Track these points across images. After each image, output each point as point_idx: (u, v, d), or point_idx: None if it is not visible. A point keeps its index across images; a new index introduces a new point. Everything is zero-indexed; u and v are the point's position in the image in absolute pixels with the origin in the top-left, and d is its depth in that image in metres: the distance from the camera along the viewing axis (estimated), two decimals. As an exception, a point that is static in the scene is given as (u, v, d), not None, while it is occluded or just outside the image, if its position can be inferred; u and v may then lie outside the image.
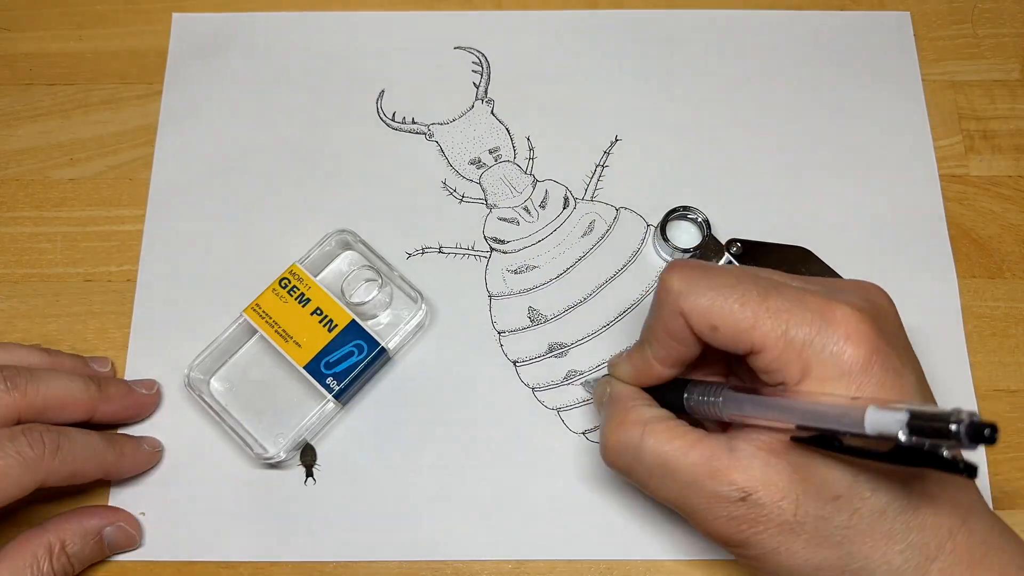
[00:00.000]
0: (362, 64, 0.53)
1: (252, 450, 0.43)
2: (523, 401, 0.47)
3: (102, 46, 0.53)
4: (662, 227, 0.48)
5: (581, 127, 0.52)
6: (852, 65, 0.53)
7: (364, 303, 0.46)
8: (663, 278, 0.36)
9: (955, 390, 0.47)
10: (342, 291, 0.47)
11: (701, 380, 0.38)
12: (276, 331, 0.45)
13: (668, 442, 0.35)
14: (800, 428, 0.33)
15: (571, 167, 0.51)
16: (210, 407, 0.44)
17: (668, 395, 0.39)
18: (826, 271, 0.47)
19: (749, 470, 0.34)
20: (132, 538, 0.43)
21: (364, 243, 0.47)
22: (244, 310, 0.45)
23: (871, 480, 0.33)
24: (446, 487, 0.45)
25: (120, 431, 0.45)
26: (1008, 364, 0.48)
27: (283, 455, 0.44)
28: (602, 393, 0.41)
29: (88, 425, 0.42)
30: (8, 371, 0.40)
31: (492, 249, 0.49)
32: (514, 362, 0.47)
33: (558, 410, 0.46)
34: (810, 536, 0.33)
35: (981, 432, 0.27)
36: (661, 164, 0.51)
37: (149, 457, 0.45)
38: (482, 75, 0.53)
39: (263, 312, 0.45)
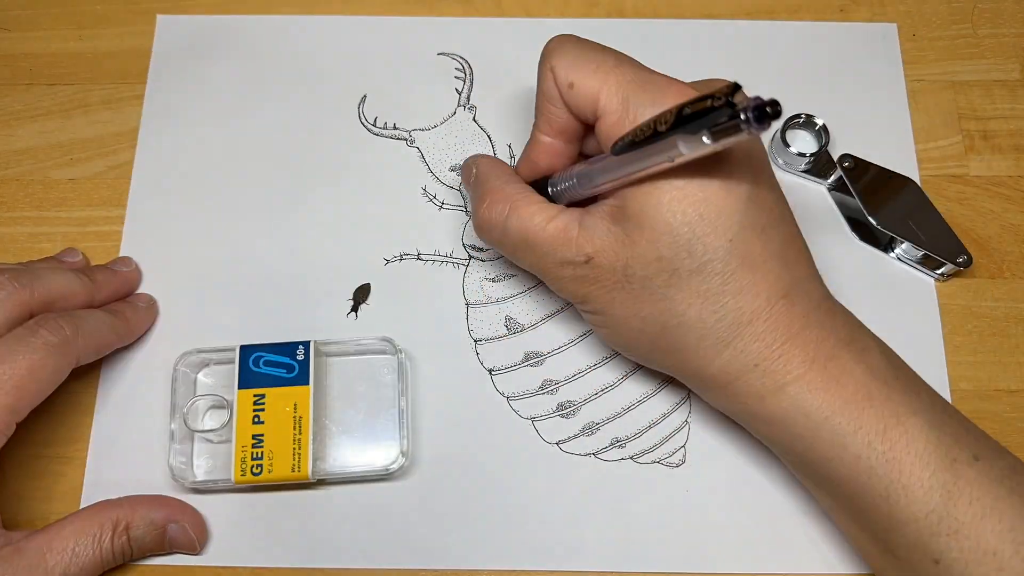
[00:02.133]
0: (344, 69, 0.52)
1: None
2: (497, 410, 0.46)
3: (102, 46, 0.54)
4: (782, 132, 0.49)
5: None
6: (838, 76, 0.52)
7: (213, 430, 0.44)
8: (546, 44, 0.40)
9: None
10: (184, 422, 0.43)
11: (560, 171, 0.41)
12: (270, 474, 0.42)
13: (531, 217, 0.39)
14: (615, 145, 0.36)
15: (552, 173, 0.50)
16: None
17: (543, 192, 0.41)
18: (927, 204, 0.48)
19: (593, 239, 0.37)
20: (192, 542, 0.42)
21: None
22: (235, 480, 0.42)
23: (688, 241, 0.35)
24: (416, 495, 0.44)
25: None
26: (1008, 364, 0.46)
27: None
28: (468, 173, 0.44)
29: None
30: (11, 271, 0.41)
31: (470, 257, 0.48)
32: (489, 371, 0.46)
33: (532, 420, 0.45)
34: (638, 292, 0.37)
35: (764, 110, 0.29)
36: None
37: (148, 313, 0.47)
38: (465, 81, 0.52)
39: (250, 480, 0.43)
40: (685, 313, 0.37)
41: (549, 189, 0.41)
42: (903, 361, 0.39)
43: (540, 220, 0.39)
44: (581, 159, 0.42)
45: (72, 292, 0.43)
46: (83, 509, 0.40)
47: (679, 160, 0.33)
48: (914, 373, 0.38)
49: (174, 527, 0.42)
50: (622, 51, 0.51)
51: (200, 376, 0.46)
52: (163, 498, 0.43)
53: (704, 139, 0.31)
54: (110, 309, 0.44)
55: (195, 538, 0.42)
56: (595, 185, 0.38)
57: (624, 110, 0.36)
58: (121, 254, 0.49)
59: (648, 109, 0.35)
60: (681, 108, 0.32)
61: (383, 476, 0.44)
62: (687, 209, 0.35)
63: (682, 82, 0.37)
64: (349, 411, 0.45)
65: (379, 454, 0.44)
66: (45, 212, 0.50)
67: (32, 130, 0.52)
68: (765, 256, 0.36)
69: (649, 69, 0.38)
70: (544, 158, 0.41)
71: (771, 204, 0.37)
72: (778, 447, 0.39)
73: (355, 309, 0.46)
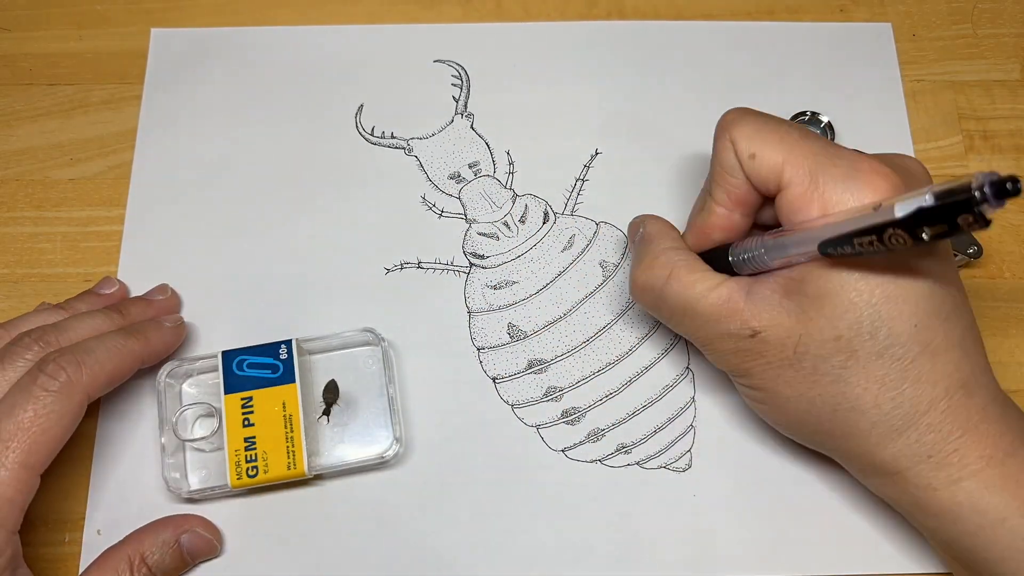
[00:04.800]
0: (341, 78, 0.52)
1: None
2: (502, 418, 0.45)
3: (102, 46, 0.53)
4: None
5: (561, 141, 0.51)
6: (836, 76, 0.52)
7: (203, 438, 0.44)
8: (722, 116, 0.39)
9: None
10: (174, 431, 0.43)
11: (742, 240, 0.39)
12: (267, 474, 0.42)
13: (691, 286, 0.38)
14: (826, 244, 0.33)
15: (551, 181, 0.50)
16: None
17: (715, 262, 0.40)
18: None
19: (761, 312, 0.36)
20: (210, 544, 0.42)
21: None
22: (232, 484, 0.42)
23: (872, 323, 0.34)
24: (421, 505, 0.44)
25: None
26: (1008, 364, 0.47)
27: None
28: (634, 232, 0.44)
29: None
30: (36, 332, 0.40)
31: (472, 264, 0.48)
32: (493, 379, 0.46)
33: (537, 427, 0.45)
34: (808, 372, 0.36)
35: (1004, 186, 0.27)
36: (642, 178, 0.50)
37: (175, 333, 0.45)
38: (462, 89, 0.52)
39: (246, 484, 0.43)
40: (860, 397, 0.35)
41: (730, 258, 0.39)
42: None
43: (702, 288, 0.38)
44: (753, 231, 0.41)
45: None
46: (91, 565, 0.40)
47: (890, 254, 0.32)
48: None
49: (186, 537, 0.42)
50: (622, 52, 0.52)
51: (185, 387, 0.45)
52: (163, 518, 0.42)
53: (925, 236, 0.30)
54: (130, 328, 0.43)
55: (211, 538, 0.42)
56: (785, 257, 0.36)
57: (812, 183, 0.35)
58: (121, 255, 0.48)
59: (839, 185, 0.34)
60: (918, 226, 0.30)
61: (379, 464, 0.44)
62: (874, 289, 0.34)
63: (868, 156, 0.36)
64: (338, 405, 0.45)
65: (373, 443, 0.44)
66: (45, 212, 0.50)
67: (32, 130, 0.51)
68: (947, 344, 0.35)
69: (835, 144, 0.37)
70: (719, 230, 0.40)
71: (953, 291, 0.36)
72: (942, 539, 0.37)
73: (327, 412, 0.44)
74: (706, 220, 0.40)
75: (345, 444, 0.44)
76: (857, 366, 0.35)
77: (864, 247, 0.32)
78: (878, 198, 0.33)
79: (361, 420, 0.45)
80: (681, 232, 0.42)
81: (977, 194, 0.28)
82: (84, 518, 0.44)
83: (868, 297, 0.34)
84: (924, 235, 0.30)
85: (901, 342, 0.34)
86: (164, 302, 0.46)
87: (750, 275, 0.38)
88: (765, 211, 0.40)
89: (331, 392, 0.44)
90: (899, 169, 0.35)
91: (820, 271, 0.35)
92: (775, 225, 0.39)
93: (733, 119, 0.38)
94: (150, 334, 0.43)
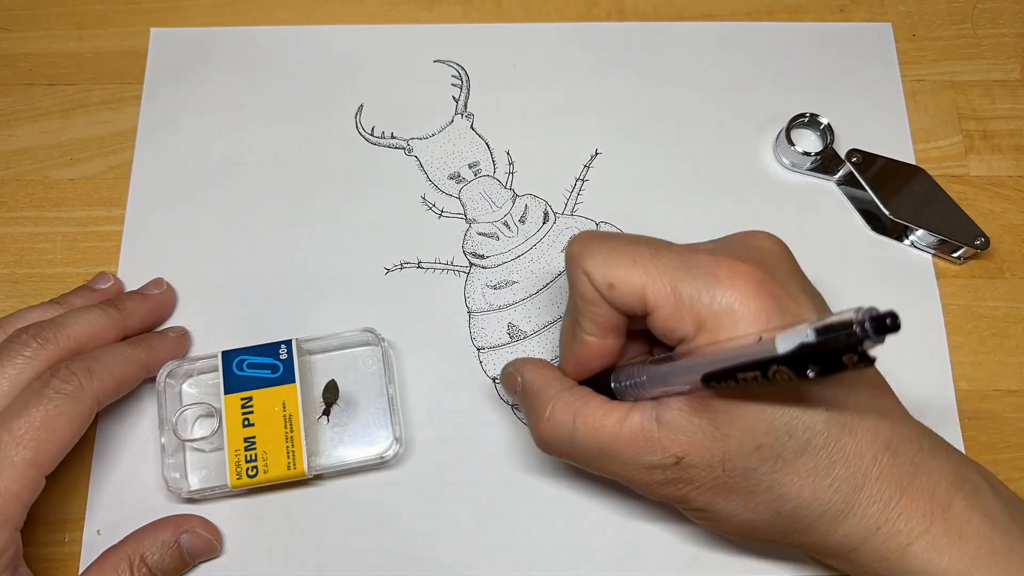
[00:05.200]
0: (341, 78, 0.52)
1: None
2: (502, 417, 0.45)
3: (102, 46, 0.54)
4: (787, 132, 0.49)
5: (561, 141, 0.51)
6: (836, 76, 0.52)
7: (204, 438, 0.44)
8: (567, 247, 0.38)
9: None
10: (174, 431, 0.43)
11: (623, 365, 0.38)
12: (266, 474, 0.42)
13: (600, 423, 0.36)
14: (709, 377, 0.32)
15: (551, 181, 0.50)
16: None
17: (598, 390, 0.38)
18: (938, 191, 0.48)
19: (678, 437, 0.35)
20: (211, 544, 0.42)
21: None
22: (232, 484, 0.42)
23: (787, 423, 0.33)
24: (421, 506, 0.44)
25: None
26: (1008, 364, 0.46)
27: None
28: (512, 383, 0.41)
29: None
30: (32, 329, 0.40)
31: (472, 264, 0.48)
32: (493, 379, 0.46)
33: (536, 427, 0.45)
34: (741, 485, 0.35)
35: (884, 322, 0.27)
36: (642, 178, 0.50)
37: (179, 343, 0.46)
38: (461, 89, 0.52)
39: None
40: (799, 496, 0.35)
41: (612, 385, 0.38)
42: (1008, 489, 0.38)
43: (611, 422, 0.36)
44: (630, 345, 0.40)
45: (100, 330, 0.42)
46: (91, 566, 0.40)
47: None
48: (1022, 504, 0.37)
49: (185, 538, 0.42)
50: (622, 53, 0.52)
51: (185, 387, 0.45)
52: (162, 519, 0.42)
53: (810, 374, 0.29)
54: (135, 339, 0.44)
55: (210, 539, 0.42)
56: (668, 386, 0.35)
57: (677, 301, 0.34)
58: (121, 255, 0.49)
59: (703, 295, 0.34)
60: (802, 362, 0.29)
61: (379, 464, 0.44)
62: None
63: (722, 257, 0.35)
64: (338, 405, 0.45)
65: (373, 443, 0.44)
66: (45, 212, 0.50)
67: (32, 130, 0.52)
68: (860, 414, 0.35)
69: (684, 247, 0.36)
70: (596, 359, 0.38)
71: None
72: None
73: (327, 413, 0.44)
74: (580, 351, 0.38)
75: (345, 444, 0.44)
76: (786, 467, 0.34)
77: (748, 382, 0.31)
78: (747, 299, 0.33)
79: (361, 420, 0.45)
80: (556, 366, 0.40)
81: (858, 330, 0.27)
82: (84, 518, 0.44)
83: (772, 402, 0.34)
84: (809, 373, 0.29)
85: (819, 430, 0.34)
86: (159, 296, 0.46)
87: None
88: (637, 321, 0.38)
89: (331, 392, 0.44)
90: (754, 254, 0.35)
91: None
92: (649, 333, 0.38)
93: (581, 250, 0.36)
94: (155, 344, 0.44)
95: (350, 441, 0.44)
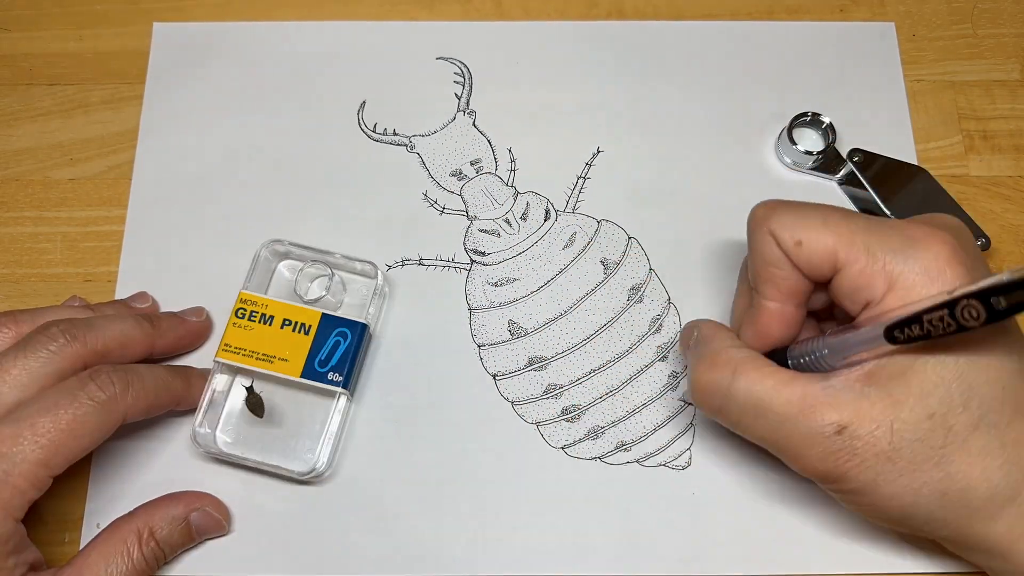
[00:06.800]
0: (343, 75, 0.52)
1: (293, 471, 0.43)
2: (502, 415, 0.45)
3: (102, 46, 0.53)
4: (788, 131, 0.49)
5: (563, 139, 0.51)
6: (837, 76, 0.52)
7: (321, 297, 0.45)
8: (752, 212, 0.38)
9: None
10: (297, 295, 0.46)
11: (799, 341, 0.38)
12: (257, 358, 0.44)
13: (760, 381, 0.35)
14: (893, 327, 0.32)
15: (553, 179, 0.50)
16: (229, 457, 0.44)
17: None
18: (940, 191, 0.48)
19: (843, 404, 0.34)
20: (219, 523, 0.43)
21: (296, 244, 0.46)
22: (216, 354, 0.44)
23: (963, 393, 0.33)
24: (422, 502, 0.44)
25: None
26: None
27: (322, 466, 0.43)
28: (688, 336, 0.41)
29: (149, 361, 0.43)
30: (64, 324, 0.40)
31: (473, 261, 0.48)
32: (494, 376, 0.46)
33: (537, 424, 0.45)
34: (908, 461, 0.33)
35: None
36: (644, 176, 0.50)
37: (199, 385, 0.45)
38: (464, 86, 0.52)
39: (235, 348, 0.44)
40: (968, 475, 0.34)
41: (789, 361, 0.38)
42: None
43: (773, 383, 0.35)
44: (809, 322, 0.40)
45: (130, 340, 0.42)
46: (101, 532, 0.40)
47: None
48: None
49: (196, 515, 0.42)
50: (623, 52, 0.52)
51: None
52: (174, 494, 0.42)
53: (1001, 304, 0.29)
54: (174, 368, 0.43)
55: (220, 517, 0.42)
56: (850, 356, 0.35)
57: (870, 258, 0.34)
58: (122, 254, 0.48)
59: (899, 255, 0.33)
60: (994, 299, 0.29)
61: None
62: (958, 358, 0.33)
63: (914, 221, 0.35)
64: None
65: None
66: (45, 212, 0.50)
67: (32, 130, 0.51)
68: None
69: (876, 218, 0.36)
70: (776, 327, 0.38)
71: None
72: None
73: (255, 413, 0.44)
74: (759, 318, 0.38)
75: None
76: (957, 441, 0.33)
77: (935, 325, 0.31)
78: (941, 262, 0.33)
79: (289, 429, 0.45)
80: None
81: None
82: (83, 518, 0.44)
83: (953, 367, 0.33)
84: (999, 302, 0.29)
85: (994, 407, 0.33)
86: (197, 324, 0.46)
87: None
88: (814, 298, 0.38)
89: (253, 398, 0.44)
90: (942, 225, 0.35)
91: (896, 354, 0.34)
92: (826, 312, 0.38)
93: (768, 212, 0.37)
94: (193, 381, 0.44)
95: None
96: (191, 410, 0.44)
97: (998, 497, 0.34)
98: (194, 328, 0.46)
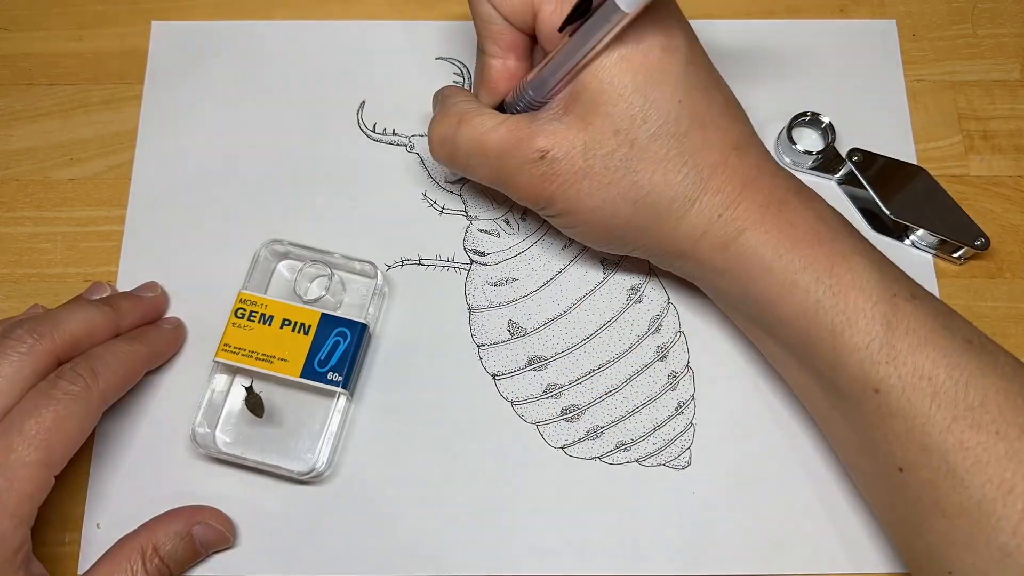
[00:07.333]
0: (343, 74, 0.52)
1: (292, 471, 0.43)
2: (502, 415, 0.46)
3: (102, 46, 0.53)
4: (788, 130, 0.49)
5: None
6: (837, 75, 0.52)
7: (321, 297, 0.45)
8: None
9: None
10: (296, 295, 0.46)
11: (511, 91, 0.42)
12: (256, 358, 0.44)
13: (480, 126, 0.40)
14: (564, 24, 0.37)
15: (553, 177, 0.50)
16: (228, 457, 0.44)
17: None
18: (939, 191, 0.48)
19: (545, 133, 0.39)
20: (223, 536, 0.42)
21: (296, 244, 0.46)
22: (216, 354, 0.44)
23: (643, 110, 0.37)
24: (422, 502, 0.44)
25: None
26: (1008, 365, 0.46)
27: (321, 466, 0.43)
28: (434, 101, 0.45)
29: None
30: (27, 324, 0.40)
31: (472, 261, 0.48)
32: (493, 375, 0.46)
33: (537, 424, 0.45)
34: (601, 175, 0.39)
35: None
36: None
37: (175, 334, 0.46)
38: (463, 86, 0.52)
39: (235, 348, 0.44)
40: (652, 180, 0.38)
41: (506, 110, 0.42)
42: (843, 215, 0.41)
43: (489, 125, 0.40)
44: None
45: (95, 328, 0.42)
46: (105, 554, 0.40)
47: (622, 22, 0.35)
48: (854, 226, 0.40)
49: (199, 528, 0.42)
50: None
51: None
52: (175, 510, 0.43)
53: None
54: (132, 335, 0.44)
55: (223, 530, 0.42)
56: (550, 86, 0.39)
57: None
58: (122, 254, 0.49)
59: None
60: None
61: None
62: (636, 75, 0.37)
63: None
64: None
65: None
66: (45, 212, 0.50)
67: (32, 130, 0.51)
68: (712, 114, 0.39)
69: None
70: (503, 81, 0.42)
71: (707, 65, 0.40)
72: (733, 297, 0.41)
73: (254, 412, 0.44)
74: (485, 73, 0.42)
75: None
76: (640, 152, 0.38)
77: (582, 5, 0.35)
78: None
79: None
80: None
81: None
82: (83, 518, 0.44)
83: (632, 84, 0.37)
84: None
85: (672, 119, 0.38)
86: (153, 299, 0.46)
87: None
88: (537, 55, 0.42)
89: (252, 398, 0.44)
90: None
91: (587, 79, 0.37)
92: None
93: None
94: (152, 337, 0.45)
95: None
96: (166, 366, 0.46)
97: (680, 199, 0.39)
98: (152, 303, 0.46)
